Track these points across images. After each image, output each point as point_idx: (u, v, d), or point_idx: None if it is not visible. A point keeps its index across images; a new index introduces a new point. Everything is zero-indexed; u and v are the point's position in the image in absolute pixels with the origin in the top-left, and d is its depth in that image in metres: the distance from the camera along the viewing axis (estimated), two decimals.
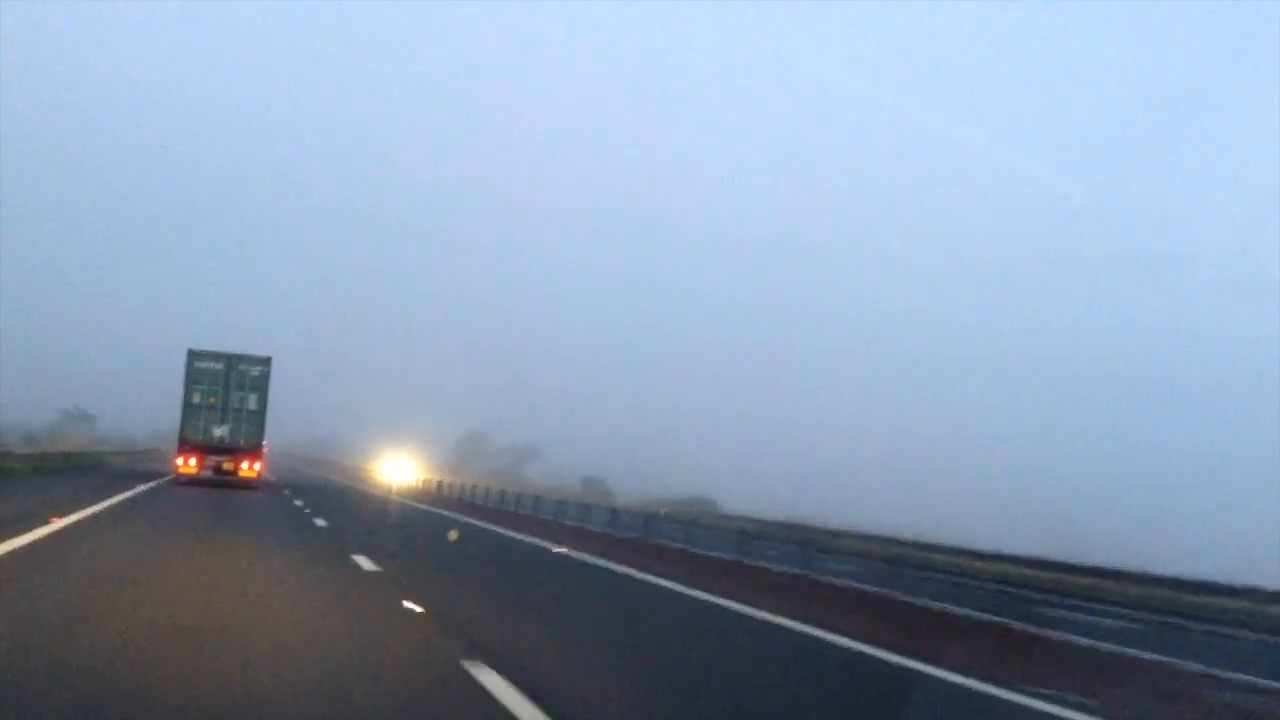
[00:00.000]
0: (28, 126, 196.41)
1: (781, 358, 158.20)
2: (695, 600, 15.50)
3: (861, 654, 11.29)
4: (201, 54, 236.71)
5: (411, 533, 26.46)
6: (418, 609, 11.38)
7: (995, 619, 15.12)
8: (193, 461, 36.62)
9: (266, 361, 37.73)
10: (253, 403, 37.28)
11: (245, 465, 37.01)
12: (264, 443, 37.87)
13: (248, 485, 36.99)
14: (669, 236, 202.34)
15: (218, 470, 36.95)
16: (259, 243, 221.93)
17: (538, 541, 25.65)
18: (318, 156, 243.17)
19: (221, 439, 36.88)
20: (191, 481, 36.40)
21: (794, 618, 13.47)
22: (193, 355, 37.22)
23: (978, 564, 37.29)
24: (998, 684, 9.62)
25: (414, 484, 61.30)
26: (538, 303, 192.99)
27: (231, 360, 37.35)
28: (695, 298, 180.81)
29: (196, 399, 36.92)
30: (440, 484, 57.21)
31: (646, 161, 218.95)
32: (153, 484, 34.68)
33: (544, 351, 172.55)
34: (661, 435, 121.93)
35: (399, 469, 68.60)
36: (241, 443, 36.98)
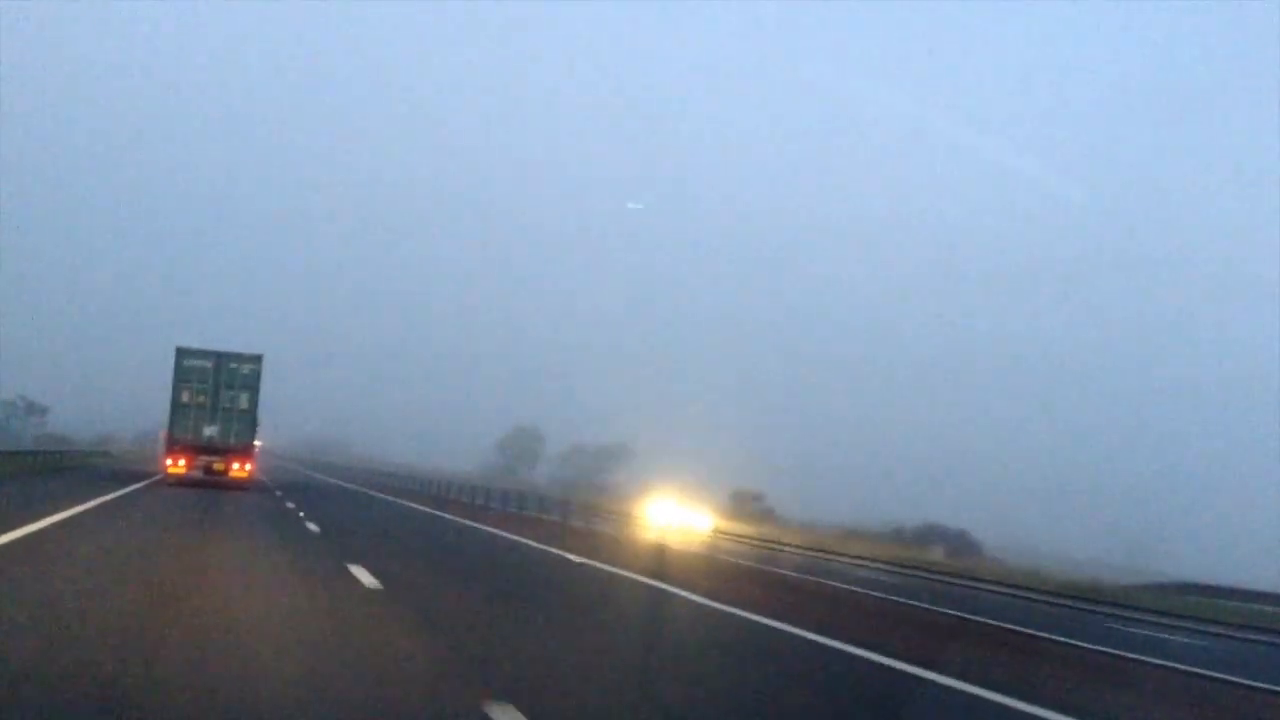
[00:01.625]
0: (18, 119, 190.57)
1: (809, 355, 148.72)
2: None
3: None
4: (194, 49, 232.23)
5: None
6: None
7: None
8: (182, 462, 35.94)
9: (257, 359, 36.93)
10: (243, 402, 36.50)
11: (236, 466, 36.38)
12: (255, 442, 37.28)
13: (238, 486, 36.37)
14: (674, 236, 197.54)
15: (208, 470, 36.28)
16: (283, 246, 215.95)
17: None
18: (344, 151, 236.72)
19: (211, 438, 36.14)
20: (180, 482, 35.68)
21: None
22: (181, 353, 36.42)
23: None
24: None
25: (696, 537, 37.35)
26: (589, 291, 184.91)
27: (221, 358, 36.54)
28: (702, 293, 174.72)
29: (185, 397, 36.12)
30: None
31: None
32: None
33: (592, 339, 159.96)
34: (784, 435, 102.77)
35: (674, 515, 41.61)
36: (232, 442, 36.30)
